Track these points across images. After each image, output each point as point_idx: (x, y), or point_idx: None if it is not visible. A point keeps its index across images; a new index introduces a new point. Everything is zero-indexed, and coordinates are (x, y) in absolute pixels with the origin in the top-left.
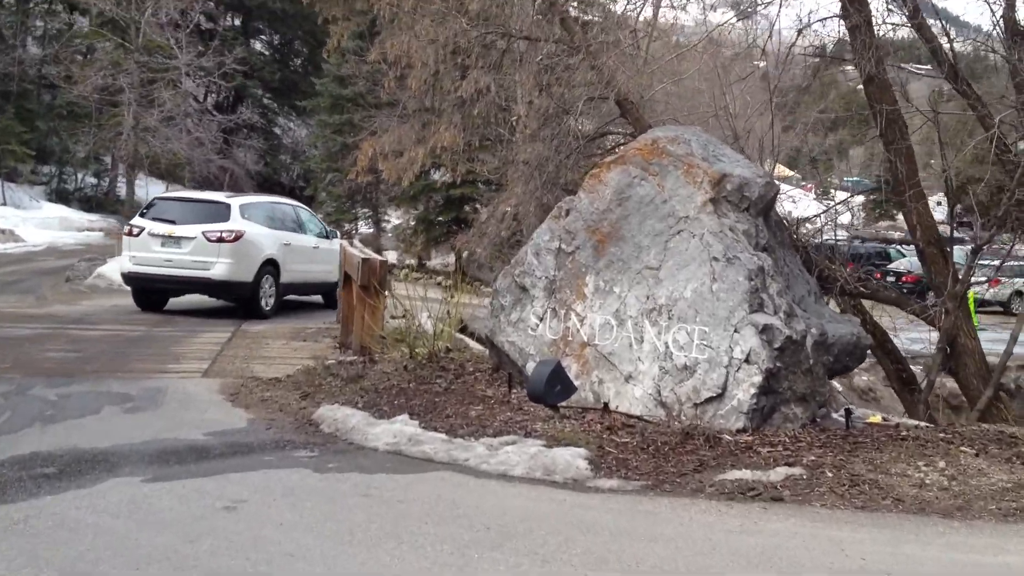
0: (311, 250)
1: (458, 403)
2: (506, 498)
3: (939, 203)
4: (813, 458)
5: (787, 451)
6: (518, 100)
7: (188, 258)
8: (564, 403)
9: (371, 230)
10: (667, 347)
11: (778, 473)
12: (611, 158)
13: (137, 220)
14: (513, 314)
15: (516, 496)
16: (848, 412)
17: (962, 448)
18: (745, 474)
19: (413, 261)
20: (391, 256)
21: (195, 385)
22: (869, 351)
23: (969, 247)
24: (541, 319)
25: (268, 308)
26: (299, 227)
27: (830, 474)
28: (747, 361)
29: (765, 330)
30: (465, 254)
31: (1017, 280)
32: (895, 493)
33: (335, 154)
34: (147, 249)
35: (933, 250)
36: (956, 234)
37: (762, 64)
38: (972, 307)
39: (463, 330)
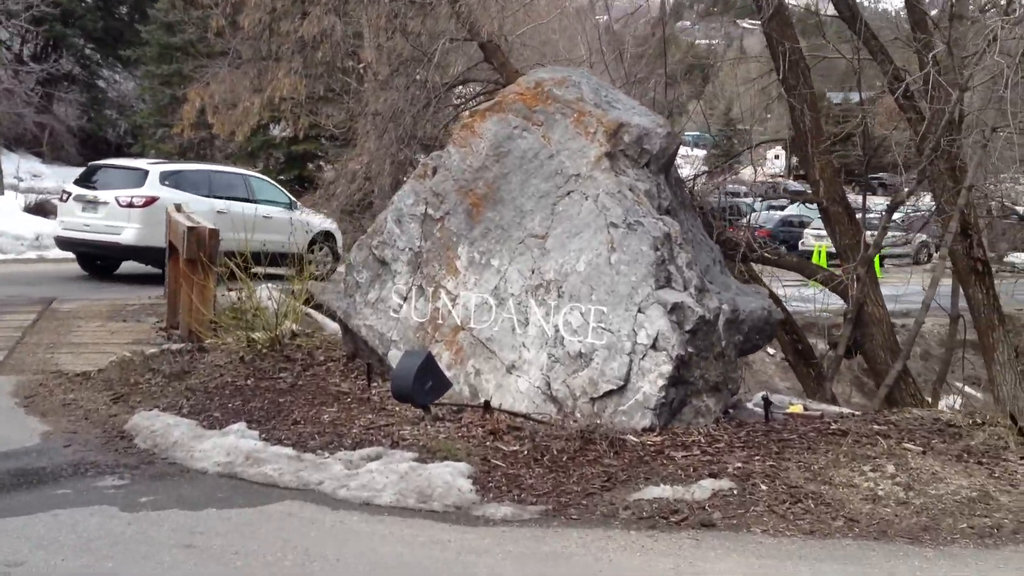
0: (260, 220)
1: (307, 404)
2: (373, 541)
3: (777, 156)
4: (739, 464)
5: (707, 455)
6: (366, 44)
7: (102, 223)
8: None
9: None
10: (557, 331)
11: (703, 488)
12: (487, 105)
13: (68, 186)
14: (371, 293)
15: (386, 537)
16: (767, 402)
17: (905, 445)
18: (664, 491)
19: None
20: None
21: None
22: None
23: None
24: (405, 299)
25: None
26: (247, 196)
27: (764, 486)
28: (654, 347)
29: (675, 309)
30: None
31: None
32: (846, 511)
33: (164, 108)
34: (72, 214)
35: (838, 209)
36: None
37: (603, 18)
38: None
39: (314, 306)
